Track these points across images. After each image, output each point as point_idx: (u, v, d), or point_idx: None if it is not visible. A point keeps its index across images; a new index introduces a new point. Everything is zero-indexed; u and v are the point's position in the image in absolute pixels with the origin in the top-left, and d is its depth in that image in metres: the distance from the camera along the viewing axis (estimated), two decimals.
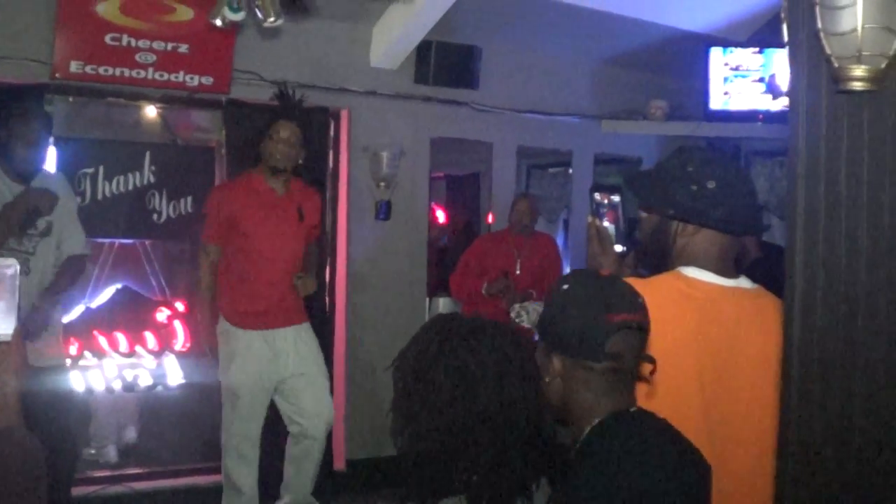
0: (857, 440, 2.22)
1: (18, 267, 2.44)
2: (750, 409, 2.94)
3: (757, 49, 9.44)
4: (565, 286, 2.59)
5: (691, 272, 3.05)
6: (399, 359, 2.59)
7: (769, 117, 9.29)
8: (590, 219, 3.39)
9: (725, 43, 9.48)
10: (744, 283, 3.11)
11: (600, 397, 2.54)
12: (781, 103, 9.08)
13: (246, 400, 6.51)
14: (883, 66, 2.10)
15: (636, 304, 2.55)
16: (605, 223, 3.31)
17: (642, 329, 2.55)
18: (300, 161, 6.61)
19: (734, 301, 3.04)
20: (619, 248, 3.31)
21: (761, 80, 9.44)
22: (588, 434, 2.52)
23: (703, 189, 3.03)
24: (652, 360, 2.57)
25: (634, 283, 2.71)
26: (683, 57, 9.55)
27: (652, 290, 2.68)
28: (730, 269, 3.10)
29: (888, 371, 2.17)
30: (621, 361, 2.51)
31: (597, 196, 3.36)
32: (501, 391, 2.45)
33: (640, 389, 2.74)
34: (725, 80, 9.52)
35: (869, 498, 2.21)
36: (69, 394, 6.52)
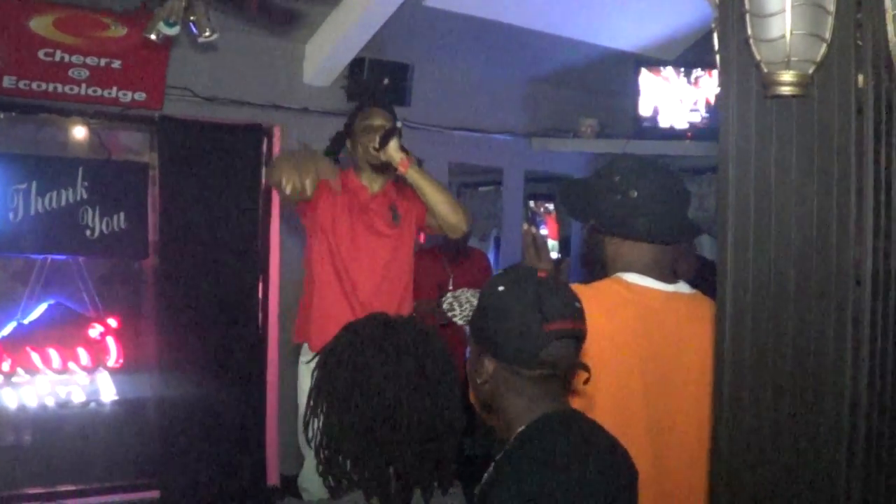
0: (787, 436, 2.27)
1: None
2: (691, 408, 2.99)
3: (685, 67, 9.55)
4: (501, 287, 2.58)
5: (631, 278, 3.10)
6: (318, 355, 2.64)
7: (698, 134, 9.40)
8: (525, 226, 3.43)
9: (655, 61, 9.58)
10: (682, 287, 3.17)
11: (531, 402, 2.56)
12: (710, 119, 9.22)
13: None
14: (810, 71, 2.16)
15: (573, 311, 2.55)
16: (542, 231, 3.36)
17: (578, 338, 2.58)
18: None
19: (673, 305, 3.10)
20: (554, 255, 3.36)
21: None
22: (515, 437, 2.55)
23: (626, 199, 3.08)
24: (587, 369, 2.57)
25: (577, 288, 2.75)
26: (613, 75, 9.66)
27: (595, 294, 2.73)
28: (667, 274, 3.15)
29: (816, 367, 2.23)
30: (555, 369, 2.53)
31: (532, 204, 3.41)
32: (397, 392, 2.47)
33: (586, 391, 2.79)
34: (655, 97, 9.62)
35: (799, 492, 2.27)
36: None
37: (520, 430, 2.56)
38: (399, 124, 5.46)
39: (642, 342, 2.99)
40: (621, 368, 2.93)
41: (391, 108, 5.61)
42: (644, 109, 9.64)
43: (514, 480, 2.41)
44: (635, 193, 3.07)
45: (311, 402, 2.58)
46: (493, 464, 2.57)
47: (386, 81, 7.12)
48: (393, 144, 5.20)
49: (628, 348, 2.96)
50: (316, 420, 2.57)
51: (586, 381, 2.59)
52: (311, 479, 5.05)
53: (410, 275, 5.59)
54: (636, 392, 2.94)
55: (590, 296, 2.66)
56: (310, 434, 2.58)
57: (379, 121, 5.41)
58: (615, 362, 2.85)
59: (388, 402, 2.47)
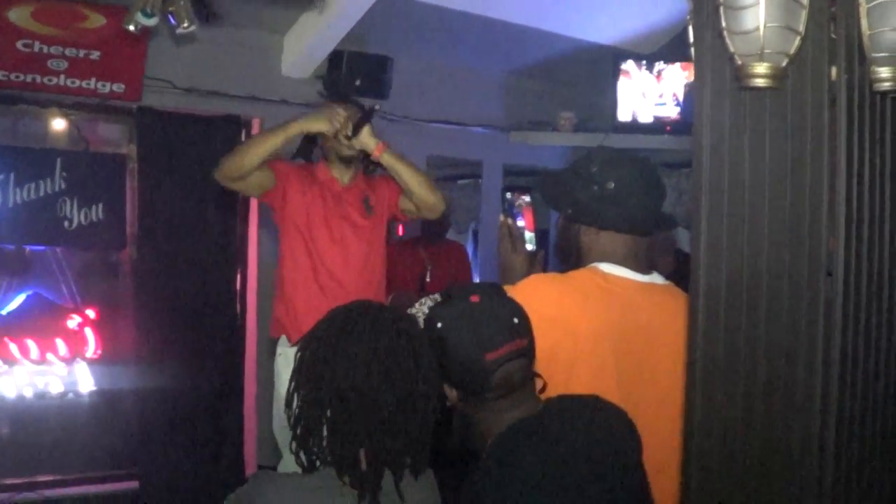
0: (759, 429, 2.30)
1: None
2: (665, 399, 3.01)
3: (663, 62, 9.58)
4: (439, 325, 2.63)
5: (607, 268, 3.13)
6: (305, 336, 2.73)
7: (676, 129, 9.43)
8: (502, 218, 3.45)
9: (633, 55, 9.59)
10: (656, 278, 3.20)
11: (499, 414, 2.61)
12: (688, 113, 9.23)
13: None
14: (784, 64, 2.18)
15: (511, 331, 2.60)
16: (519, 222, 3.38)
17: (524, 354, 2.62)
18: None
19: (648, 295, 3.12)
20: (530, 246, 3.37)
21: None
22: (489, 447, 2.59)
23: (603, 190, 3.11)
24: (540, 377, 2.65)
25: (554, 277, 2.78)
26: (591, 69, 9.66)
27: (571, 283, 2.75)
28: (642, 265, 3.18)
29: (788, 356, 2.26)
30: (509, 388, 2.58)
31: (509, 196, 3.42)
32: (368, 373, 2.55)
33: (560, 381, 2.81)
34: (632, 91, 9.64)
35: (771, 483, 2.29)
36: None
37: (489, 444, 2.61)
38: (376, 106, 5.52)
39: (616, 333, 3.01)
40: (595, 360, 2.95)
41: (358, 103, 5.65)
42: (622, 103, 9.66)
43: (490, 488, 2.47)
44: (612, 185, 3.09)
45: (292, 383, 2.66)
46: (469, 476, 2.61)
47: (358, 82, 7.04)
48: (366, 131, 5.25)
49: (603, 340, 2.98)
50: (295, 400, 2.64)
51: (542, 391, 2.66)
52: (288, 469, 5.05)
53: (384, 266, 5.62)
54: (610, 384, 2.96)
55: (566, 285, 2.69)
56: (290, 415, 2.65)
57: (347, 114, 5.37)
58: (589, 354, 2.87)
59: (360, 381, 2.54)
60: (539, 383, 2.67)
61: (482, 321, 2.58)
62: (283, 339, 5.44)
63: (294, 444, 2.62)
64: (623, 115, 9.68)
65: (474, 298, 2.63)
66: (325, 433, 2.59)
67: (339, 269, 5.37)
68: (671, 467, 2.84)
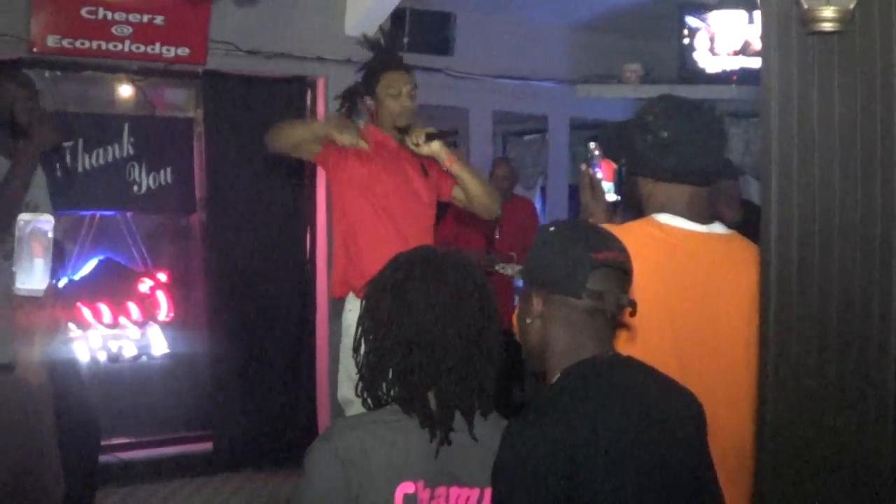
0: (833, 371, 2.26)
1: (54, 222, 2.54)
2: (724, 352, 2.96)
3: (729, 9, 9.45)
4: (552, 228, 2.64)
5: (664, 218, 3.08)
6: (370, 282, 2.79)
7: (743, 78, 9.32)
8: (583, 167, 3.43)
9: (698, 4, 9.50)
10: (717, 228, 3.13)
11: (578, 338, 2.56)
12: (755, 62, 9.12)
13: None
14: (851, 6, 2.14)
15: (619, 247, 2.57)
16: (598, 174, 3.35)
17: (624, 270, 2.58)
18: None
19: (708, 246, 3.07)
20: (612, 197, 3.34)
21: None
22: (559, 377, 2.56)
23: (657, 139, 3.06)
24: (633, 304, 2.56)
25: (609, 228, 2.75)
26: (657, 19, 9.56)
27: (624, 235, 2.69)
28: (702, 215, 3.12)
29: (862, 308, 2.22)
30: (602, 300, 2.52)
31: (591, 146, 3.39)
32: (436, 317, 2.61)
33: (618, 335, 2.78)
34: (699, 41, 9.54)
35: (846, 442, 2.26)
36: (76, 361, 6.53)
37: (557, 376, 2.57)
38: (457, 130, 5.75)
39: (671, 284, 2.97)
40: (649, 311, 2.88)
41: (410, 69, 5.62)
42: (688, 53, 9.57)
43: (527, 425, 2.42)
44: (665, 133, 3.04)
45: (360, 329, 2.74)
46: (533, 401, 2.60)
47: (406, 40, 6.91)
48: (437, 143, 5.25)
49: (656, 290, 2.93)
50: (363, 346, 2.71)
51: (632, 315, 2.60)
52: None
53: (432, 234, 5.63)
54: (665, 335, 2.92)
55: (620, 236, 2.65)
56: (358, 360, 2.73)
57: (405, 85, 5.44)
58: (642, 304, 2.80)
59: (428, 326, 2.60)
60: (630, 318, 2.64)
61: (594, 230, 2.63)
62: (351, 295, 5.44)
63: (361, 387, 2.70)
64: (689, 66, 9.59)
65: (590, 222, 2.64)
66: (391, 377, 2.65)
67: (403, 221, 5.39)
68: (730, 417, 2.81)
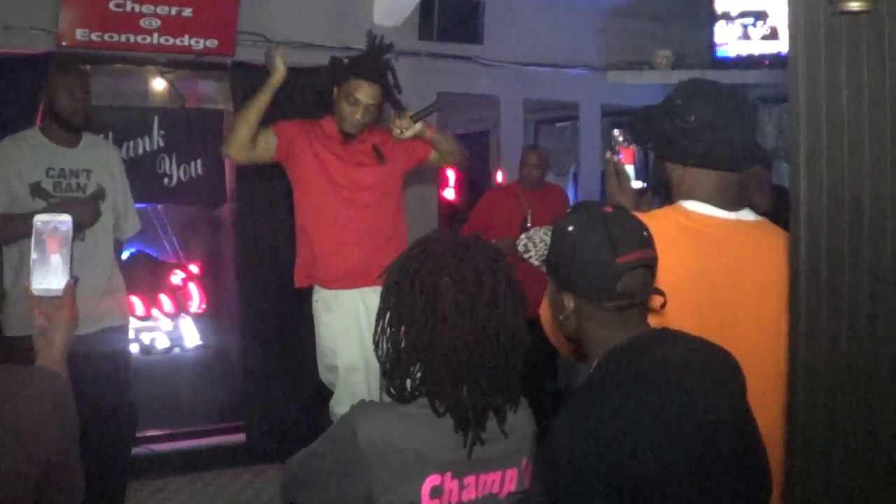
0: (864, 361, 2.24)
1: (72, 222, 2.54)
2: (751, 340, 2.93)
3: None
4: (570, 228, 2.59)
5: (691, 205, 3.05)
6: (387, 271, 2.76)
7: (775, 62, 9.26)
8: (608, 155, 3.40)
9: None
10: (746, 215, 3.10)
11: (613, 331, 2.56)
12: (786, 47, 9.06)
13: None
14: None
15: (643, 241, 2.56)
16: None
17: (649, 266, 2.58)
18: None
19: (735, 233, 3.03)
20: (638, 184, 3.32)
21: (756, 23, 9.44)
22: (599, 362, 2.56)
23: (684, 123, 3.02)
24: (661, 293, 2.58)
25: (636, 216, 2.72)
26: (688, 4, 9.52)
27: (651, 223, 2.67)
28: (731, 201, 3.08)
29: (894, 289, 2.19)
30: (632, 298, 2.53)
31: (616, 133, 3.37)
32: (472, 321, 2.59)
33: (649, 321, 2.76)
34: (729, 26, 9.49)
35: (879, 416, 2.24)
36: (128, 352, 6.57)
37: (597, 361, 2.58)
38: (439, 106, 6.40)
39: (698, 271, 2.94)
40: (675, 298, 2.85)
41: (381, 80, 5.73)
42: (719, 38, 9.52)
43: (598, 400, 2.44)
44: (692, 118, 3.00)
45: (384, 323, 2.70)
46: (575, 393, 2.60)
47: (388, 55, 6.86)
48: (418, 124, 5.71)
49: (682, 277, 2.90)
50: (383, 340, 2.70)
51: (663, 306, 2.60)
52: (342, 404, 5.50)
53: (401, 212, 5.93)
54: (691, 323, 2.86)
55: (647, 224, 2.62)
56: (380, 353, 2.71)
57: (365, 98, 5.58)
58: (669, 291, 2.77)
59: (463, 333, 2.58)
60: (658, 300, 2.62)
61: (615, 225, 2.56)
62: (317, 286, 5.70)
63: (386, 381, 2.69)
64: (720, 51, 9.53)
65: (607, 209, 2.60)
66: (420, 374, 2.64)
67: (364, 210, 5.65)
68: (756, 406, 2.78)
